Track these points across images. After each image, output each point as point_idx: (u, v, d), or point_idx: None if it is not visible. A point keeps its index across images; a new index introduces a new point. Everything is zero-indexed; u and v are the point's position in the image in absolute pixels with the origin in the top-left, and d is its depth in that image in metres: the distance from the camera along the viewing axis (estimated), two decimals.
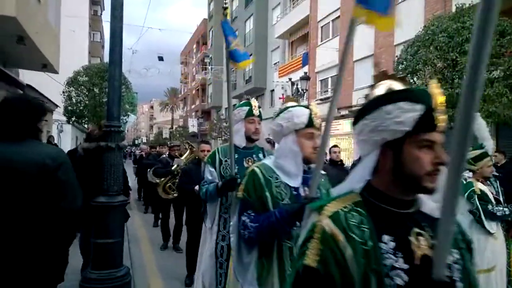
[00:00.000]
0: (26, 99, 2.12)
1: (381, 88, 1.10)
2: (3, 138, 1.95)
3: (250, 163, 2.71)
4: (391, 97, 1.00)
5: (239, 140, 2.76)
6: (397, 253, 0.94)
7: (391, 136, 0.98)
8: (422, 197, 1.04)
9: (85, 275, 3.33)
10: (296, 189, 1.87)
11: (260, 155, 2.83)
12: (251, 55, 27.18)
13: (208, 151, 4.28)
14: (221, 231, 2.74)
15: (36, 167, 1.93)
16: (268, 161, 1.98)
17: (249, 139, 2.79)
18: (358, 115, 1.07)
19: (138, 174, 10.91)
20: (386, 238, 0.95)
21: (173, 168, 6.04)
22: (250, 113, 2.77)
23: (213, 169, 2.78)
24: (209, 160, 2.84)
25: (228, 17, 2.98)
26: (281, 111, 1.97)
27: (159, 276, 4.74)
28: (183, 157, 6.11)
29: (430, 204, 1.03)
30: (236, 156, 2.67)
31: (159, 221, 6.88)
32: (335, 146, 6.51)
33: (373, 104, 1.04)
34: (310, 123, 1.88)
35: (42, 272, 1.95)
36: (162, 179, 6.23)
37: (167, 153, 7.45)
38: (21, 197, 1.90)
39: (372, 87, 1.15)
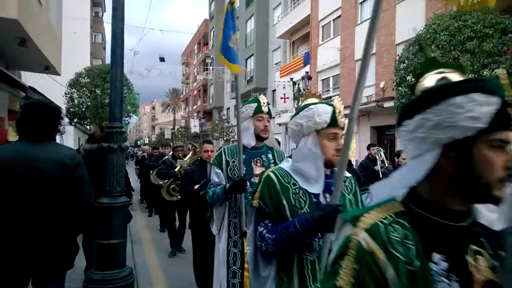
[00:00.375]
0: (47, 104, 2.37)
1: (431, 79, 0.97)
2: (28, 139, 2.21)
3: (258, 164, 2.60)
4: (461, 87, 0.83)
5: (248, 139, 2.59)
6: (451, 276, 0.79)
7: (460, 134, 0.81)
8: (479, 207, 0.88)
9: (89, 276, 3.35)
10: (317, 196, 1.68)
11: (269, 156, 2.67)
12: (252, 55, 27.26)
13: (212, 151, 4.16)
14: (232, 237, 2.56)
15: (57, 166, 2.18)
16: (285, 164, 1.78)
17: (258, 137, 2.63)
18: (414, 108, 0.88)
19: (141, 176, 10.72)
20: (436, 257, 0.80)
21: (176, 169, 5.94)
22: (258, 110, 2.63)
23: (219, 171, 2.63)
24: (215, 162, 2.68)
25: (236, 5, 3.04)
26: (301, 108, 1.78)
27: (163, 276, 4.76)
28: (186, 158, 6.01)
29: (488, 215, 0.89)
30: (243, 157, 2.52)
31: (166, 225, 6.76)
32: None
33: (436, 96, 0.85)
34: (333, 122, 1.67)
35: (58, 258, 2.22)
36: (166, 180, 6.14)
37: (170, 154, 7.33)
38: (44, 192, 2.15)
39: (418, 77, 1.03)
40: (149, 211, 9.19)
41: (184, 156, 6.35)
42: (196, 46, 45.19)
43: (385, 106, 13.51)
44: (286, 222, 1.59)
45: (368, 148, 7.60)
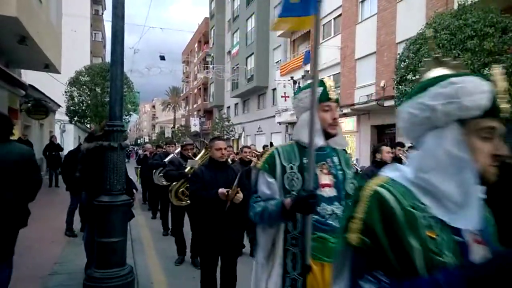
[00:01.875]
0: (3, 114, 3.34)
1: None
2: None
3: (325, 171, 1.93)
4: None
5: (310, 137, 1.84)
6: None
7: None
8: None
9: (89, 274, 3.35)
10: (458, 232, 0.97)
11: (335, 159, 1.99)
12: (252, 54, 27.22)
13: (225, 149, 3.64)
14: (289, 273, 1.85)
15: (19, 156, 3.21)
16: (396, 174, 1.05)
17: (324, 134, 1.96)
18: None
19: (142, 176, 10.17)
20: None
21: (186, 170, 5.26)
22: (324, 97, 1.95)
23: (272, 180, 1.91)
24: (266, 167, 1.95)
25: None
26: (429, 82, 1.04)
27: (163, 274, 4.76)
28: (197, 158, 5.41)
29: None
30: (304, 162, 1.90)
31: (169, 230, 6.57)
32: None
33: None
34: (492, 109, 0.96)
35: (17, 218, 3.19)
36: (174, 183, 5.44)
37: (176, 151, 6.68)
38: (10, 173, 3.09)
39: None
40: (153, 214, 8.69)
41: (194, 155, 5.74)
42: (196, 45, 45.19)
43: (385, 105, 13.52)
44: (420, 279, 0.91)
45: (394, 147, 5.82)
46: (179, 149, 6.75)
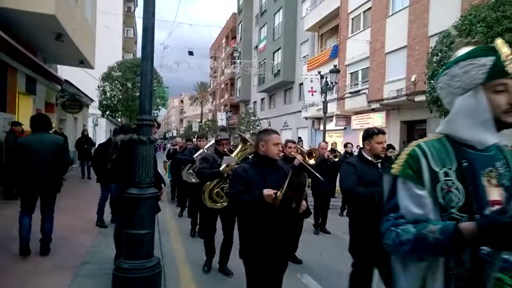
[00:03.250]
0: (43, 114, 5.25)
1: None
2: (40, 130, 4.77)
3: (493, 182, 1.33)
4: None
5: (477, 132, 1.35)
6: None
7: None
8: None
9: (118, 264, 3.47)
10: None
11: (503, 163, 1.38)
12: (279, 48, 27.08)
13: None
14: None
15: (55, 143, 4.73)
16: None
17: (499, 125, 1.35)
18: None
19: (172, 171, 9.83)
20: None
21: (221, 168, 4.58)
22: (498, 72, 1.31)
23: (423, 192, 1.30)
24: (409, 172, 1.33)
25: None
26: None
27: (188, 267, 4.86)
28: (234, 154, 4.74)
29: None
30: (464, 165, 1.32)
31: (203, 233, 5.65)
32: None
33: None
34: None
35: (55, 188, 4.78)
36: (208, 182, 4.70)
37: (207, 146, 6.25)
38: (49, 156, 4.62)
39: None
40: (180, 211, 8.33)
41: (231, 151, 5.07)
42: (224, 40, 45.43)
43: (416, 100, 13.11)
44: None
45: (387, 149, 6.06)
46: (210, 143, 6.27)
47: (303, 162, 5.24)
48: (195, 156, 6.42)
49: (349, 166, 3.48)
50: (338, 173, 4.40)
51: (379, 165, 3.45)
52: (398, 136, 15.21)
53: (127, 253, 3.45)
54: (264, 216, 2.77)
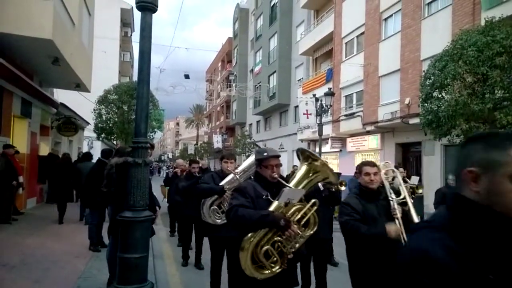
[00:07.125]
0: (89, 153, 9.38)
1: None
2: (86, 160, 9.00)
3: None
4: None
5: None
6: None
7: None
8: None
9: None
10: None
11: None
12: (275, 72, 27.47)
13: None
14: None
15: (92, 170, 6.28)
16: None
17: None
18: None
19: (171, 201, 7.86)
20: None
21: (272, 208, 2.76)
22: None
23: None
24: None
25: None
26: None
27: None
28: (294, 182, 2.93)
29: None
30: None
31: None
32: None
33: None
34: None
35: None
36: (250, 234, 2.70)
37: (240, 169, 4.16)
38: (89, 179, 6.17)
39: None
40: (171, 231, 8.20)
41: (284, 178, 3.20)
42: (220, 64, 46.09)
43: (410, 122, 13.24)
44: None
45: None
46: (246, 163, 4.24)
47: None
48: (222, 183, 4.20)
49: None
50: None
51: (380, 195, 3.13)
52: (394, 158, 15.27)
53: (120, 277, 3.37)
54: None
